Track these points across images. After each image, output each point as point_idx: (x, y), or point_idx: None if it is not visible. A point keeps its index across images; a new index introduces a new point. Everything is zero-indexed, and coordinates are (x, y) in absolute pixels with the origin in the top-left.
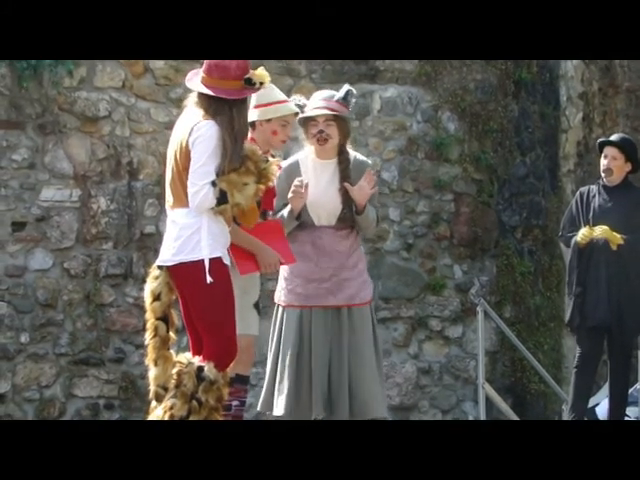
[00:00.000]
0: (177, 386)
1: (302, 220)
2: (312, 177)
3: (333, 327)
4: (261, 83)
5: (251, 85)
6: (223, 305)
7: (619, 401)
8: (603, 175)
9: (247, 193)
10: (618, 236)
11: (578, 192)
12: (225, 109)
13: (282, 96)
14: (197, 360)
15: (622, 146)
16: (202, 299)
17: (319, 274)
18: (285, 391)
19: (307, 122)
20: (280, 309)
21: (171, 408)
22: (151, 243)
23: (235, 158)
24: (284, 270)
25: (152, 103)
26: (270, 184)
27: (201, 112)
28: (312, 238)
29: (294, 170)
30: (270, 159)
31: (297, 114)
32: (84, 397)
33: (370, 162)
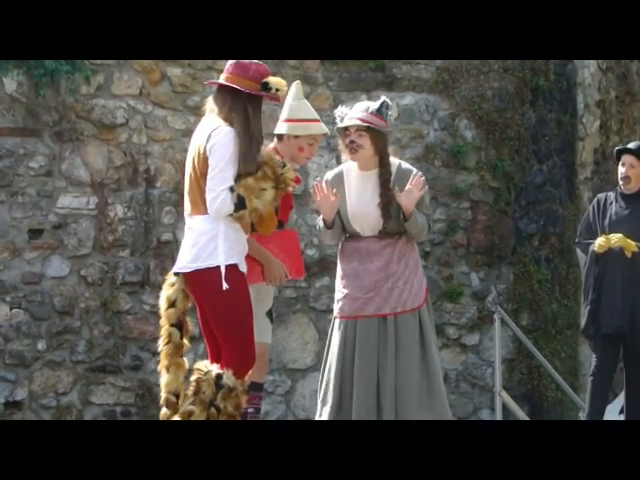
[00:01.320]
0: (196, 393)
1: (334, 229)
2: (354, 188)
3: (380, 336)
4: (277, 90)
5: (267, 89)
6: (240, 312)
7: (635, 410)
8: (621, 183)
9: (265, 198)
10: (633, 244)
11: (595, 198)
12: (240, 107)
13: (314, 114)
14: (215, 368)
15: (638, 153)
16: (219, 306)
17: (365, 284)
18: (329, 402)
19: (342, 133)
20: (333, 321)
21: (189, 415)
22: (168, 251)
23: (250, 160)
24: (337, 282)
25: (169, 110)
26: (289, 189)
27: (217, 112)
28: (359, 249)
29: (338, 181)
30: (287, 164)
31: (325, 134)
32: (101, 404)
33: (415, 170)
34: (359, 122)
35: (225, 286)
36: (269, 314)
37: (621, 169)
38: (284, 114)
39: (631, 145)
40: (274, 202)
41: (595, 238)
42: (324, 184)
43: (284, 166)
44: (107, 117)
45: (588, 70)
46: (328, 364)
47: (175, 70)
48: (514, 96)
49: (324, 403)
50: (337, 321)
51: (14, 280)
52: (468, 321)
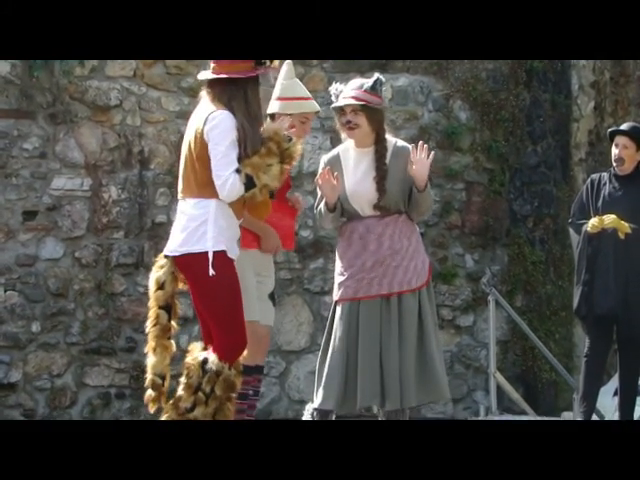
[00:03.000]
0: (186, 378)
1: (346, 211)
2: (351, 168)
3: (383, 316)
4: (271, 61)
5: (261, 64)
6: (227, 297)
7: (629, 392)
8: (615, 164)
9: (273, 173)
10: (626, 225)
11: (589, 179)
12: (240, 93)
13: (306, 93)
14: (204, 352)
15: (633, 135)
16: (206, 291)
17: (369, 264)
18: (335, 385)
19: (338, 112)
20: (333, 305)
21: (179, 400)
22: (162, 232)
23: (255, 140)
24: (337, 266)
25: (163, 92)
26: (294, 163)
27: (216, 100)
28: (359, 229)
29: (334, 162)
30: (293, 138)
31: (318, 112)
32: (95, 386)
33: (411, 147)
34: (354, 101)
35: (212, 272)
36: (271, 296)
37: (615, 150)
38: (276, 93)
39: (624, 126)
40: (282, 176)
41: (588, 219)
42: (326, 170)
43: (290, 140)
44: (101, 99)
45: None
46: (331, 349)
47: None
48: (508, 77)
49: (328, 389)
50: (340, 305)
51: (8, 262)
52: (462, 302)
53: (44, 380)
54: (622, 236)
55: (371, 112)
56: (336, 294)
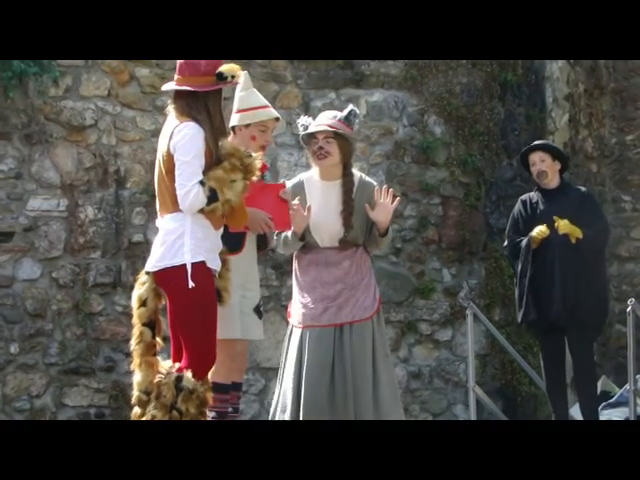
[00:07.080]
0: (157, 397)
1: (306, 241)
2: (316, 198)
3: (335, 345)
4: (232, 77)
5: (223, 79)
6: (204, 310)
7: (589, 399)
8: (538, 180)
9: (236, 189)
10: (578, 230)
11: (519, 200)
12: (201, 106)
13: (262, 101)
14: (175, 369)
15: (544, 147)
16: (184, 304)
17: (323, 295)
18: (288, 409)
19: (309, 140)
20: (290, 328)
21: (153, 420)
22: (139, 251)
23: (219, 154)
24: (294, 293)
25: (138, 111)
26: (254, 179)
27: (180, 114)
28: (317, 259)
29: (298, 191)
30: (253, 154)
31: (277, 119)
32: (75, 406)
33: (375, 183)
34: (328, 128)
35: (191, 284)
36: (257, 310)
37: (533, 169)
38: (235, 106)
39: (534, 143)
40: (244, 193)
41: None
42: (297, 200)
43: (250, 156)
44: (76, 118)
45: (556, 64)
46: (286, 371)
47: (143, 71)
48: (483, 91)
49: (283, 411)
50: (295, 330)
51: None
52: (440, 317)
53: (23, 401)
54: (573, 240)
55: (343, 141)
56: (292, 319)
